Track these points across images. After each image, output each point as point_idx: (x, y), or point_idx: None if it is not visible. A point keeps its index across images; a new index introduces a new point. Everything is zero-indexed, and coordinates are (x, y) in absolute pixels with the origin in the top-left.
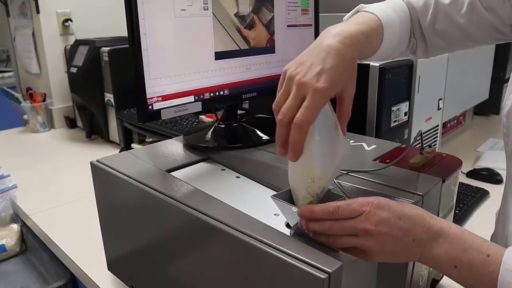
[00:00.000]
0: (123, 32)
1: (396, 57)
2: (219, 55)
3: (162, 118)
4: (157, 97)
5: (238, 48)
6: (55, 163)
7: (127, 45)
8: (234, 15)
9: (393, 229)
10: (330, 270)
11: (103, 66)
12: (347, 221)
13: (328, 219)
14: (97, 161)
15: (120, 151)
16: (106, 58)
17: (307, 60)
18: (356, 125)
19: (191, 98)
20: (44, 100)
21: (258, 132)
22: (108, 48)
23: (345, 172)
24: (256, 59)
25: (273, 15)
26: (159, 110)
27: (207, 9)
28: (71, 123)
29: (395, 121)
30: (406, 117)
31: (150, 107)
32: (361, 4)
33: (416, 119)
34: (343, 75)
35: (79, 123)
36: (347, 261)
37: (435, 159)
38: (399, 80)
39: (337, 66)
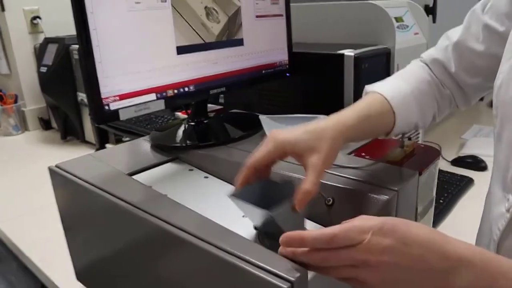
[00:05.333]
0: None
1: (436, 121)
2: (182, 50)
3: (121, 119)
4: (114, 96)
5: (203, 42)
6: (28, 167)
7: None
8: (197, 6)
9: (397, 258)
10: (293, 279)
11: (74, 64)
12: (344, 250)
13: (321, 249)
14: (55, 166)
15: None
16: (76, 56)
17: None
18: None
19: (152, 96)
20: (15, 102)
21: (230, 129)
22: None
23: None
24: (223, 52)
25: (240, 6)
26: (116, 110)
27: (165, 1)
28: (45, 124)
29: None
30: None
31: (106, 107)
32: (366, 86)
33: None
34: (303, 141)
35: (54, 124)
36: None
37: (414, 151)
38: (376, 69)
39: (307, 132)
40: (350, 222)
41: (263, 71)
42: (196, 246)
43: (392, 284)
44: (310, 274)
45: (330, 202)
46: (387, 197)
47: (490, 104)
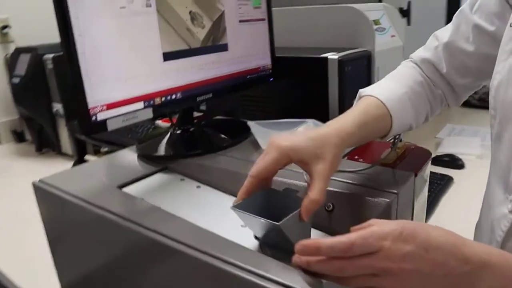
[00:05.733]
0: None
1: (427, 121)
2: (168, 56)
3: (109, 129)
4: (101, 106)
5: (188, 47)
6: (4, 182)
7: None
8: (182, 11)
9: (419, 264)
10: None
11: (47, 74)
12: (362, 258)
13: (338, 258)
14: (39, 181)
15: (74, 164)
16: (50, 66)
17: None
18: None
19: (140, 105)
20: None
21: (218, 136)
22: (52, 55)
23: None
24: (208, 58)
25: (224, 11)
26: (104, 121)
27: (150, 6)
28: (18, 137)
29: None
30: None
31: (93, 117)
32: (360, 90)
33: None
34: (308, 148)
35: (28, 137)
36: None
37: (405, 152)
38: (358, 72)
39: (310, 139)
40: (367, 228)
41: (248, 76)
42: (199, 260)
43: None
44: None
45: (330, 208)
46: (388, 200)
47: (463, 104)
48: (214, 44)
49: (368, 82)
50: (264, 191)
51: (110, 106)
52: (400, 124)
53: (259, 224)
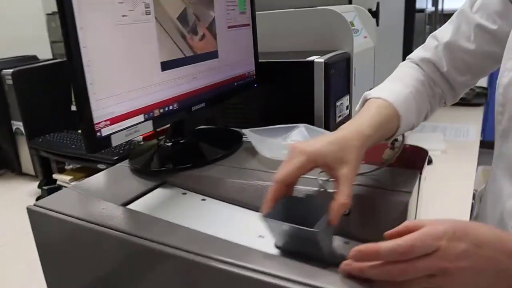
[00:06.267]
0: (30, 49)
1: (426, 120)
2: (166, 65)
3: (114, 145)
4: (105, 120)
5: (183, 56)
6: None
7: (34, 65)
8: (177, 18)
9: (473, 261)
10: None
11: (6, 91)
12: (420, 261)
13: (396, 261)
14: (34, 205)
15: (40, 184)
16: (9, 82)
17: None
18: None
19: (140, 118)
20: None
21: (212, 146)
22: (11, 70)
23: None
24: (201, 66)
25: (214, 17)
26: (108, 136)
27: (150, 13)
28: None
29: (339, 116)
30: (348, 110)
31: (98, 133)
32: (365, 93)
33: (354, 111)
34: (332, 152)
35: None
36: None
37: (403, 151)
38: (340, 74)
39: (331, 143)
40: (420, 230)
41: (235, 83)
42: (243, 276)
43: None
44: None
45: (347, 212)
46: (405, 200)
47: None
48: (206, 51)
49: (348, 83)
50: (286, 197)
51: (113, 121)
52: (406, 124)
53: (292, 231)
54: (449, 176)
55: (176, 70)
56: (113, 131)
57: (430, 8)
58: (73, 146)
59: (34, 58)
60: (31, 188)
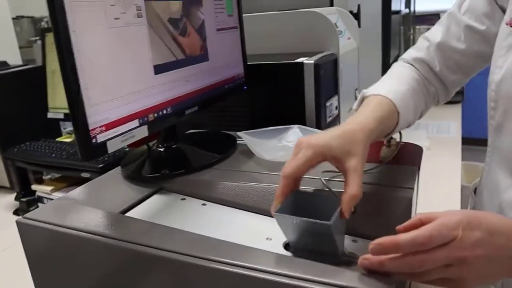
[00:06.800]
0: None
1: (421, 117)
2: (159, 69)
3: (110, 152)
4: (100, 126)
5: (175, 59)
6: None
7: (5, 71)
8: (168, 21)
9: (488, 249)
10: None
11: None
12: (439, 251)
13: (414, 253)
14: (24, 217)
15: (17, 196)
16: None
17: None
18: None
19: (135, 123)
20: None
21: (206, 150)
22: None
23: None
24: (192, 69)
25: (204, 19)
26: (104, 143)
27: (141, 16)
28: None
29: (329, 116)
30: (337, 111)
31: (94, 140)
32: (363, 90)
33: (342, 111)
34: (339, 145)
35: None
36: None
37: (398, 149)
38: (328, 75)
39: (338, 136)
40: (435, 220)
41: (226, 86)
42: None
43: (485, 277)
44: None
45: (353, 210)
46: (409, 196)
47: None
48: (196, 54)
49: (336, 84)
50: (295, 192)
51: (109, 126)
52: (404, 121)
53: (305, 225)
54: (436, 172)
55: (169, 73)
56: (109, 137)
57: (404, 10)
58: (53, 155)
59: (4, 64)
60: (7, 200)
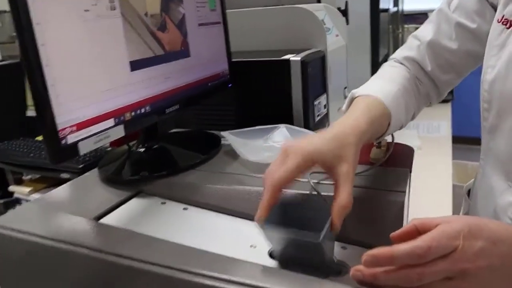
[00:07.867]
0: None
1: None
2: (135, 65)
3: (81, 153)
4: (71, 126)
5: (154, 55)
6: None
7: None
8: (145, 14)
9: (491, 259)
10: None
11: None
12: (438, 263)
13: (412, 265)
14: None
15: None
16: None
17: None
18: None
19: (110, 122)
20: None
21: (189, 151)
22: None
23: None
24: (173, 66)
25: (184, 14)
26: (75, 144)
27: (115, 9)
28: None
29: (318, 115)
30: (325, 109)
31: (63, 141)
32: (352, 91)
33: (331, 110)
34: (330, 150)
35: None
36: None
37: (388, 150)
38: (316, 73)
39: (328, 140)
40: (434, 229)
41: (209, 84)
42: None
43: (488, 287)
44: None
45: None
46: (401, 199)
47: None
48: (177, 50)
49: (324, 82)
50: (281, 199)
51: (80, 126)
52: (396, 121)
53: (294, 241)
54: (427, 171)
55: (147, 70)
56: (80, 137)
57: (392, 8)
58: (31, 155)
59: None
60: None
